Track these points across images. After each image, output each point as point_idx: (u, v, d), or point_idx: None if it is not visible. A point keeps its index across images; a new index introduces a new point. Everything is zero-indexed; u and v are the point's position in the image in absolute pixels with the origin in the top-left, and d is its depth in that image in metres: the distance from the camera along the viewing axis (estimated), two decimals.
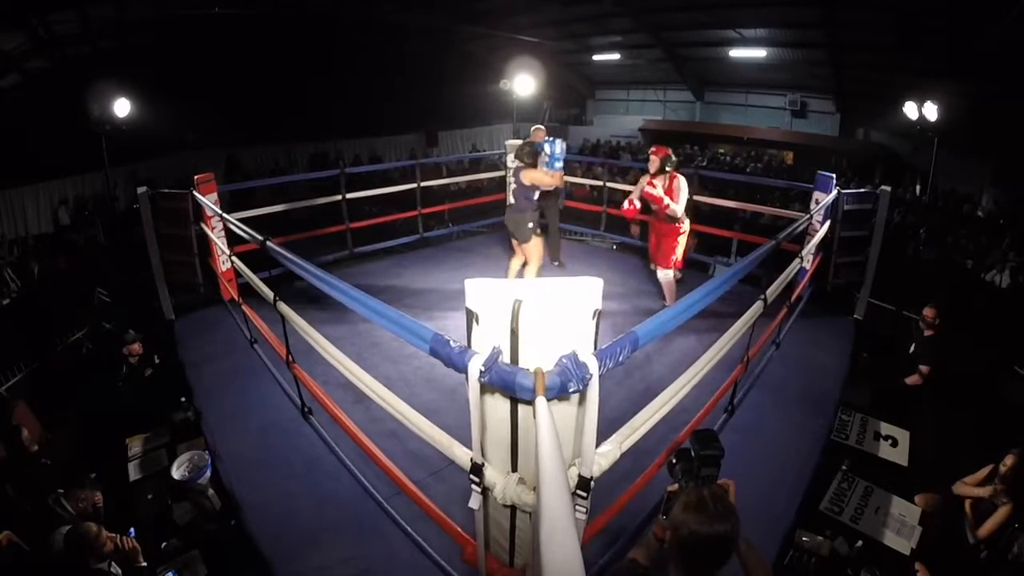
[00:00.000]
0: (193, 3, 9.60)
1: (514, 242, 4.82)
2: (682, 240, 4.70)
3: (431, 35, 14.09)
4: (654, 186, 4.46)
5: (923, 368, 3.92)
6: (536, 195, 4.60)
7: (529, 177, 4.51)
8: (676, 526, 1.27)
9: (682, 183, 4.50)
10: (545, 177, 4.58)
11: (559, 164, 4.58)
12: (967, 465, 2.86)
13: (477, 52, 15.74)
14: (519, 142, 6.50)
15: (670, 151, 4.57)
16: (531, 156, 4.56)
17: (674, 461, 1.52)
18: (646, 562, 1.48)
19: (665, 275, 4.75)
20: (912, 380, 3.97)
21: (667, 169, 4.48)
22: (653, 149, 4.62)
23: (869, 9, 9.19)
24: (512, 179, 4.63)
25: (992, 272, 6.36)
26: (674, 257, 4.70)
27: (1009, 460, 2.60)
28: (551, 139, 4.66)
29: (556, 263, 5.97)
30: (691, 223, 5.77)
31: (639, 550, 1.53)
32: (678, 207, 4.46)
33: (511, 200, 4.70)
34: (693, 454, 1.46)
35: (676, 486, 1.49)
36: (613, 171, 7.04)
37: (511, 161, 6.58)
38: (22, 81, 9.58)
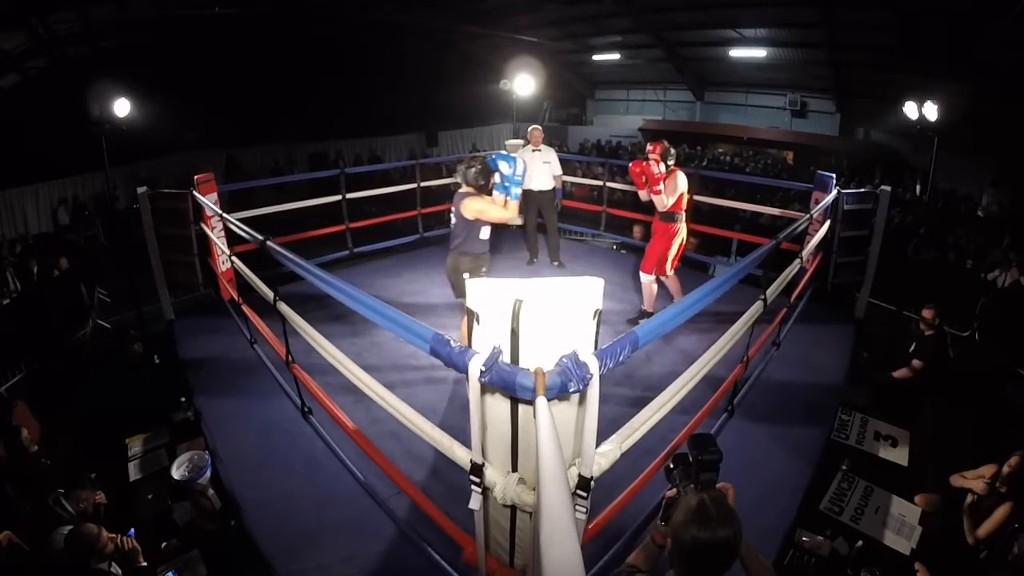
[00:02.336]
0: (193, 3, 9.61)
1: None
2: (674, 245, 4.35)
3: (431, 35, 14.10)
4: (659, 168, 4.11)
5: (915, 363, 3.91)
6: (485, 233, 3.44)
7: (473, 209, 3.27)
8: (677, 533, 1.26)
9: (680, 179, 4.25)
10: (497, 211, 3.30)
11: (517, 191, 3.28)
12: (967, 465, 2.86)
13: (477, 52, 15.74)
14: (519, 142, 6.51)
15: (667, 144, 4.22)
16: (482, 177, 3.31)
17: (671, 466, 1.50)
18: (645, 567, 1.48)
19: (645, 278, 4.48)
20: (900, 373, 3.97)
21: (668, 162, 4.20)
22: (650, 147, 4.29)
23: (869, 9, 9.20)
24: (453, 209, 3.43)
25: (995, 272, 6.36)
26: (659, 262, 4.38)
27: (1014, 460, 2.60)
28: (506, 155, 3.37)
29: (556, 263, 5.97)
30: (690, 223, 5.84)
31: (638, 555, 1.52)
32: (667, 198, 4.19)
33: (451, 238, 3.50)
34: (691, 459, 1.45)
35: (674, 491, 1.48)
36: (613, 171, 7.04)
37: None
38: (22, 81, 9.59)
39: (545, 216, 5.87)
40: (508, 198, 3.30)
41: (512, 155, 3.37)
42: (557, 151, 5.89)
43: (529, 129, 5.82)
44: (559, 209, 5.99)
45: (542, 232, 6.10)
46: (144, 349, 4.08)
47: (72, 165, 10.44)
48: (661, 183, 4.15)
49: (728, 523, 1.23)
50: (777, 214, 6.66)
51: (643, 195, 4.45)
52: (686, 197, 4.34)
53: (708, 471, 1.41)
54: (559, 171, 5.83)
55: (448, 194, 5.63)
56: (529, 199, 5.80)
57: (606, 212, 6.50)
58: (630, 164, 4.29)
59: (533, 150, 5.70)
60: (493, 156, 3.36)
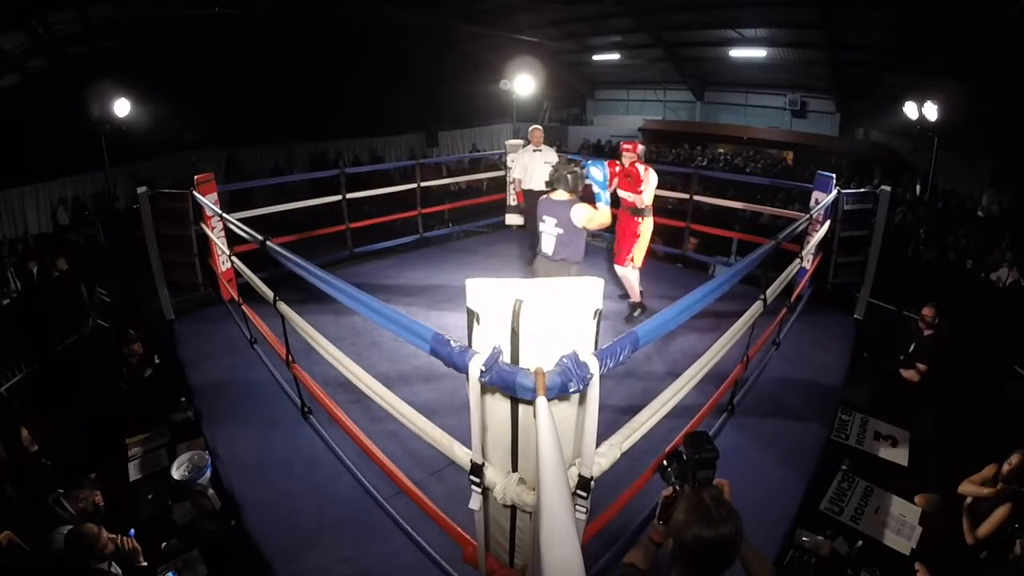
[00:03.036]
0: (193, 3, 9.61)
1: None
2: (642, 236, 4.48)
3: (431, 35, 14.10)
4: (636, 171, 4.34)
5: (920, 366, 3.91)
6: (584, 240, 3.41)
7: (583, 217, 3.20)
8: (679, 532, 1.26)
9: (654, 176, 4.40)
10: (600, 217, 3.31)
11: (606, 195, 3.37)
12: (967, 465, 2.86)
13: (477, 52, 15.74)
14: (519, 142, 6.50)
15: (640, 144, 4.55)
16: (580, 181, 3.24)
17: (667, 465, 1.50)
18: (644, 566, 1.48)
19: (621, 271, 4.64)
20: (908, 374, 3.97)
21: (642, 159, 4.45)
22: (629, 145, 4.51)
23: (869, 9, 9.20)
24: (547, 218, 3.30)
25: (1001, 269, 6.34)
26: (630, 255, 4.52)
27: (1015, 459, 2.60)
28: (595, 161, 3.43)
29: None
30: (692, 223, 5.85)
31: (636, 554, 1.52)
32: (646, 197, 4.39)
33: (548, 248, 3.33)
34: (687, 457, 1.45)
35: (670, 490, 1.48)
36: None
37: (510, 161, 6.59)
38: (22, 81, 9.59)
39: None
40: (602, 204, 3.31)
41: (600, 160, 3.40)
42: (557, 151, 5.85)
43: (530, 129, 5.82)
44: None
45: None
46: (144, 349, 4.08)
47: (72, 165, 10.45)
48: (645, 184, 4.33)
49: (729, 520, 1.23)
50: (777, 214, 6.66)
51: (611, 191, 4.63)
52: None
53: (705, 469, 1.42)
54: None
55: (448, 194, 5.65)
56: (530, 199, 5.77)
57: None
58: (606, 162, 4.32)
59: (534, 150, 5.70)
60: (585, 162, 3.35)
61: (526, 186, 5.76)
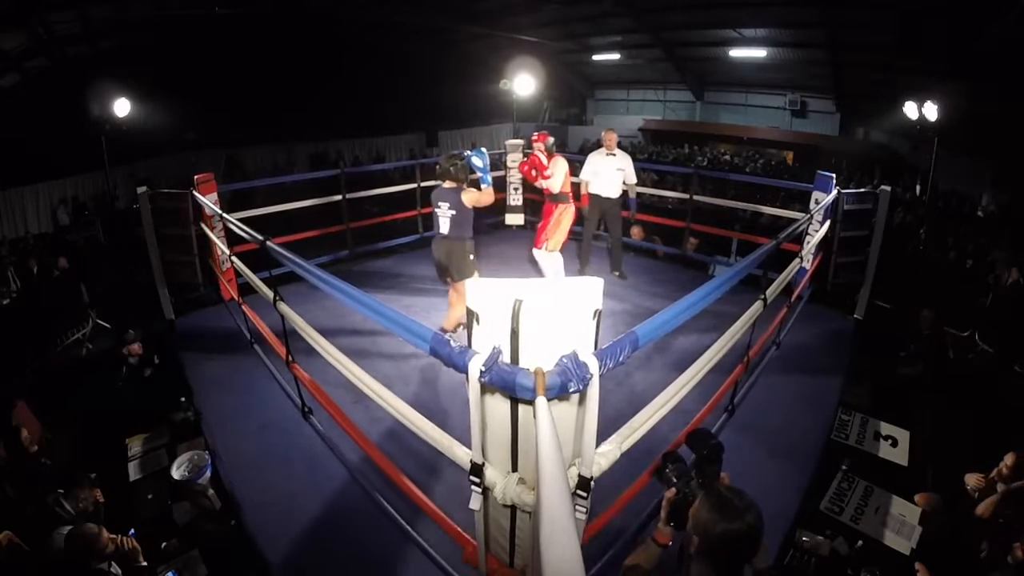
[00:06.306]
0: (193, 3, 9.61)
1: (450, 283, 4.10)
2: (554, 221, 4.90)
3: (431, 35, 14.11)
4: (538, 159, 4.84)
5: (920, 365, 3.92)
6: (472, 220, 3.98)
7: (473, 199, 3.89)
8: (706, 530, 1.26)
9: (562, 163, 4.86)
10: (487, 197, 3.92)
11: (489, 178, 3.94)
12: (967, 465, 2.86)
13: (477, 52, 15.75)
14: (519, 142, 6.50)
15: (548, 134, 4.98)
16: (464, 172, 3.92)
17: (666, 467, 1.50)
18: (648, 567, 1.48)
19: (538, 254, 5.03)
20: (906, 371, 3.97)
21: (551, 150, 4.88)
22: (536, 136, 4.92)
23: (869, 9, 9.20)
24: (441, 203, 3.92)
25: (1005, 273, 6.33)
26: (545, 239, 4.93)
27: (1010, 460, 2.59)
28: (475, 151, 3.98)
29: (616, 274, 5.59)
30: (692, 223, 5.85)
31: (639, 556, 1.52)
32: (553, 182, 4.82)
33: (444, 229, 3.92)
34: (695, 454, 1.45)
35: (672, 491, 1.48)
36: None
37: (511, 161, 6.59)
38: (22, 81, 9.59)
39: (609, 225, 5.48)
40: (486, 186, 3.91)
41: (480, 149, 3.98)
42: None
43: (603, 133, 5.39)
44: (633, 219, 5.74)
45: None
46: (144, 349, 4.08)
47: (72, 165, 10.45)
48: (550, 170, 4.79)
49: (751, 508, 1.25)
50: (777, 214, 6.66)
51: (537, 185, 5.03)
52: (570, 179, 5.00)
53: (713, 464, 1.42)
54: (633, 179, 5.32)
55: None
56: (593, 204, 5.39)
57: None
58: (484, 151, 4.43)
59: (607, 154, 5.25)
60: (467, 154, 3.96)
61: (593, 190, 5.33)
